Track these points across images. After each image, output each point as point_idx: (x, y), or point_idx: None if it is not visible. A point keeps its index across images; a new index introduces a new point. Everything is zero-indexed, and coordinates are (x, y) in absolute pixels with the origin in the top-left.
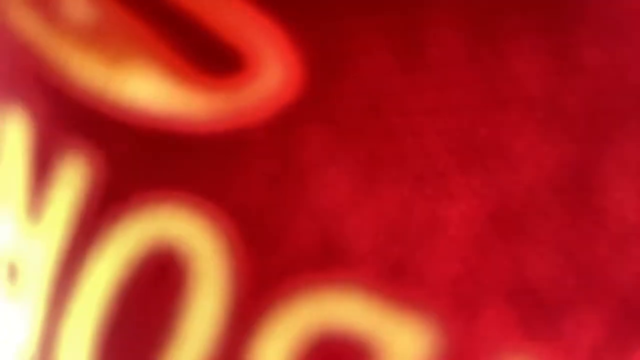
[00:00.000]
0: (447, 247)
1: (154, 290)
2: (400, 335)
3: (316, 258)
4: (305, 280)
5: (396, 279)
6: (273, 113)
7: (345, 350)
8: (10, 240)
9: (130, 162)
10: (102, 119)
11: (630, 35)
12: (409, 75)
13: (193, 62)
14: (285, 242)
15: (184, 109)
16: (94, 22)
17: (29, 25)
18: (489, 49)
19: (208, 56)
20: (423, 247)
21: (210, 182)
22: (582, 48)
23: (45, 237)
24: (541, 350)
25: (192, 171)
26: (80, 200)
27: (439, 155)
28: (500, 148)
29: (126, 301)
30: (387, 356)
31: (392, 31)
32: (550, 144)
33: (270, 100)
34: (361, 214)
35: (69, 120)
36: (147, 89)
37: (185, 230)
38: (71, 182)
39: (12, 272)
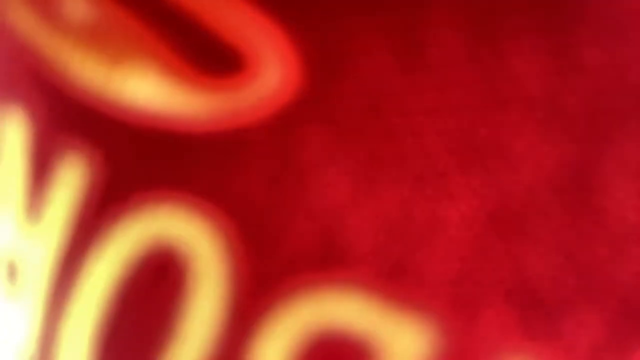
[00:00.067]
0: (447, 247)
1: (154, 290)
2: (400, 335)
3: (316, 258)
4: (305, 280)
5: (396, 279)
6: (273, 113)
7: (345, 350)
8: (10, 240)
9: (130, 162)
10: (102, 119)
11: (630, 35)
12: (409, 76)
13: (193, 62)
14: (285, 242)
15: (184, 108)
16: (93, 22)
17: (28, 25)
18: (489, 49)
19: (208, 56)
20: (423, 247)
21: (209, 182)
22: (582, 48)
23: (44, 237)
24: (541, 350)
25: (191, 171)
26: (79, 200)
27: (439, 155)
28: (500, 148)
29: (125, 301)
30: (387, 356)
31: (392, 31)
32: (550, 144)
33: (269, 100)
34: (361, 214)
35: (68, 120)
36: (146, 88)
37: (185, 230)
38: (70, 182)
39: (12, 272)
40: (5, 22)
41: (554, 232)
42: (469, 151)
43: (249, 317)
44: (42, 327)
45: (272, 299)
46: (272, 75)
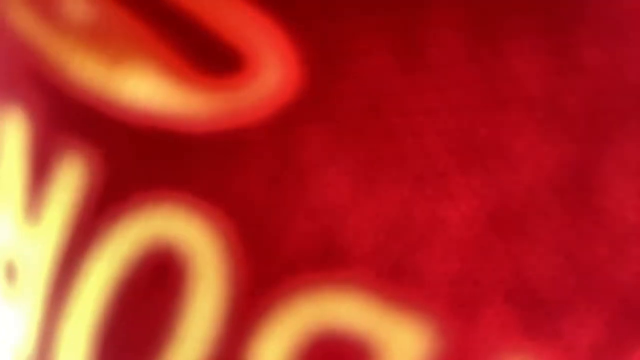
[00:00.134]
0: (446, 247)
1: (153, 290)
2: (399, 334)
3: (316, 258)
4: (305, 280)
5: (396, 279)
6: (273, 113)
7: (344, 350)
8: (9, 240)
9: (129, 162)
10: (101, 119)
11: (630, 35)
12: (409, 76)
13: (193, 62)
14: (284, 242)
15: (183, 108)
16: (93, 22)
17: (28, 25)
18: (489, 49)
19: (208, 56)
20: (423, 247)
21: (209, 182)
22: (582, 48)
23: (43, 237)
24: (541, 350)
25: (191, 171)
26: (78, 200)
27: (439, 155)
28: (500, 148)
29: (124, 301)
30: (387, 356)
31: (392, 31)
32: (550, 144)
33: (269, 100)
34: (361, 214)
35: (67, 120)
36: (146, 88)
37: (184, 230)
38: (70, 182)
39: (10, 273)
40: (5, 21)
41: (554, 232)
42: (469, 151)
43: (249, 317)
44: (40, 327)
45: (272, 299)
46: (272, 75)
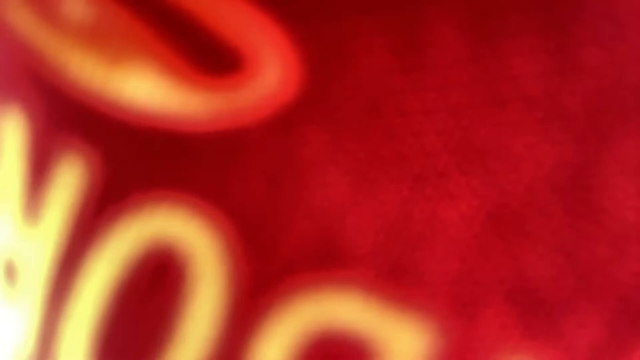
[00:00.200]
0: (446, 247)
1: (153, 290)
2: (399, 334)
3: (315, 258)
4: (304, 280)
5: (396, 278)
6: (272, 113)
7: (344, 350)
8: (8, 240)
9: (129, 162)
10: (101, 119)
11: (629, 34)
12: (408, 75)
13: (192, 61)
14: (284, 242)
15: (183, 108)
16: (92, 22)
17: (27, 24)
18: (489, 49)
19: (207, 56)
20: (423, 247)
21: (209, 181)
22: (582, 48)
23: (42, 237)
24: (540, 350)
25: (190, 171)
26: (78, 200)
27: (438, 155)
28: (500, 148)
29: (124, 301)
30: (387, 356)
31: (392, 31)
32: (550, 144)
33: (269, 99)
34: (361, 214)
35: (67, 120)
36: (146, 88)
37: (184, 230)
38: (69, 182)
39: (10, 273)
40: (5, 21)
41: (553, 232)
42: (469, 151)
43: (249, 317)
44: (40, 327)
45: (272, 299)
46: (271, 75)
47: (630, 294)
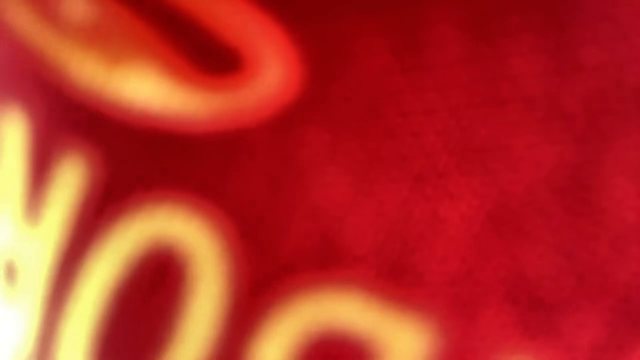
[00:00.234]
0: (446, 247)
1: (153, 290)
2: (399, 334)
3: (316, 258)
4: (304, 280)
5: (396, 278)
6: (273, 113)
7: (344, 350)
8: (8, 240)
9: (129, 162)
10: (101, 119)
11: (629, 34)
12: (408, 75)
13: (193, 62)
14: (284, 242)
15: (184, 108)
16: (93, 22)
17: (28, 24)
18: (489, 49)
19: (208, 56)
20: (423, 247)
21: (209, 181)
22: (581, 48)
23: (43, 237)
24: (540, 350)
25: (191, 171)
26: (78, 200)
27: (438, 155)
28: (500, 148)
29: (124, 301)
30: (387, 355)
31: (392, 31)
32: (550, 144)
33: (270, 100)
34: (361, 214)
35: (67, 119)
36: (146, 88)
37: (184, 230)
38: (69, 182)
39: (10, 273)
40: (5, 22)
41: (553, 232)
42: (469, 151)
43: (249, 317)
44: (40, 327)
45: (272, 298)
46: (272, 75)
47: (630, 294)
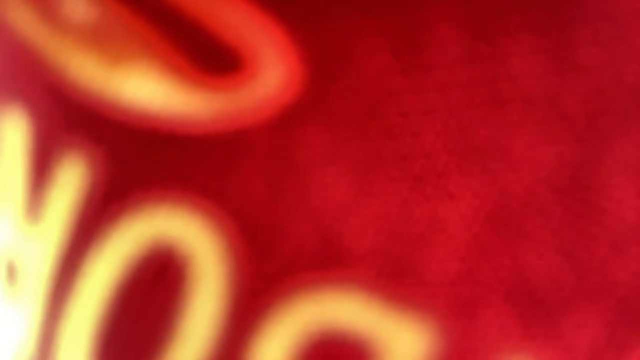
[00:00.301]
0: (446, 247)
1: (153, 290)
2: (399, 334)
3: (316, 258)
4: (304, 280)
5: (396, 278)
6: (273, 113)
7: (345, 350)
8: (9, 240)
9: (130, 162)
10: (102, 119)
11: (629, 34)
12: (408, 75)
13: (193, 61)
14: (284, 242)
15: (184, 108)
16: (93, 22)
17: (28, 24)
18: (489, 49)
19: (208, 56)
20: (423, 247)
21: (209, 181)
22: (581, 48)
23: (44, 237)
24: (540, 350)
25: (191, 171)
26: (79, 200)
27: (438, 155)
28: (500, 148)
29: (125, 301)
30: (387, 356)
31: (391, 31)
32: (550, 144)
33: (270, 100)
34: (361, 214)
35: (68, 119)
36: (147, 88)
37: (185, 230)
38: (70, 181)
39: (11, 272)
40: (5, 22)
41: (553, 232)
42: (469, 151)
43: (249, 317)
44: (41, 327)
45: (272, 298)
46: (272, 75)
47: (630, 294)
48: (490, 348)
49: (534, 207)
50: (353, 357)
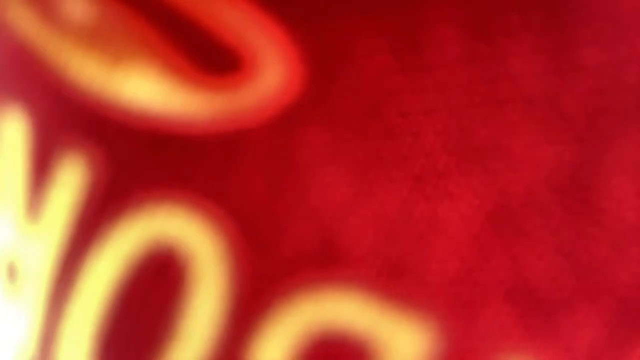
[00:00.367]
0: (446, 247)
1: (154, 290)
2: (399, 334)
3: (315, 258)
4: (304, 280)
5: (395, 278)
6: (273, 113)
7: (344, 350)
8: (10, 239)
9: (130, 162)
10: (102, 119)
11: (629, 34)
12: (408, 76)
13: (193, 62)
14: (284, 242)
15: (184, 108)
16: (93, 22)
17: (28, 24)
18: (488, 49)
19: (208, 56)
20: (422, 247)
21: (209, 181)
22: (581, 48)
23: (44, 236)
24: (540, 350)
25: (191, 171)
26: (79, 199)
27: (438, 155)
28: (500, 148)
29: (125, 301)
30: (387, 356)
31: (391, 31)
32: (550, 144)
33: (270, 100)
34: (361, 214)
35: (68, 120)
36: (147, 88)
37: (185, 230)
38: (70, 181)
39: (12, 272)
40: (5, 22)
41: (553, 232)
42: (469, 151)
43: (249, 317)
44: (42, 326)
45: (272, 298)
46: (272, 75)
47: (630, 294)
48: (490, 348)
49: (534, 207)
50: (353, 357)
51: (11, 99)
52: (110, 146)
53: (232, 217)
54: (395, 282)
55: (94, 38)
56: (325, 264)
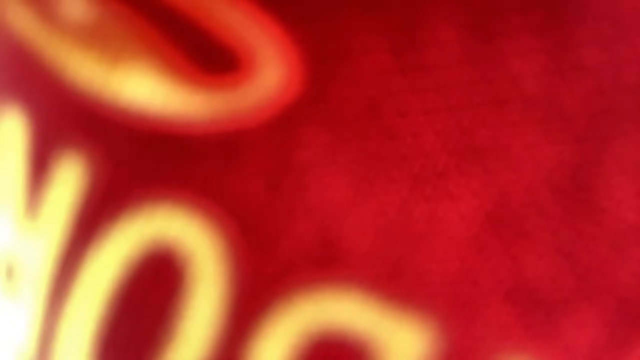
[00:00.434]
0: (446, 247)
1: (153, 290)
2: (399, 334)
3: (315, 258)
4: (304, 280)
5: (395, 278)
6: (272, 113)
7: (344, 350)
8: (8, 239)
9: (129, 162)
10: (101, 119)
11: (629, 34)
12: (408, 75)
13: (193, 61)
14: (284, 242)
15: (183, 108)
16: (92, 22)
17: (27, 24)
18: (488, 49)
19: (208, 56)
20: (422, 247)
21: (209, 181)
22: (581, 48)
23: (43, 236)
24: (540, 350)
25: (191, 171)
26: (78, 199)
27: (438, 155)
28: (500, 148)
29: (125, 301)
30: (387, 356)
31: (391, 31)
32: (550, 144)
33: (269, 100)
34: (360, 214)
35: (67, 119)
36: (146, 88)
37: (184, 230)
38: (69, 181)
39: (10, 271)
40: (5, 21)
41: (553, 232)
42: (468, 151)
43: (249, 317)
44: (41, 326)
45: (271, 298)
46: (272, 75)
47: (630, 294)
48: (490, 348)
49: (534, 207)
50: (353, 357)
51: (10, 99)
52: (110, 146)
53: (231, 217)
54: (395, 282)
55: (93, 38)
56: (324, 264)
